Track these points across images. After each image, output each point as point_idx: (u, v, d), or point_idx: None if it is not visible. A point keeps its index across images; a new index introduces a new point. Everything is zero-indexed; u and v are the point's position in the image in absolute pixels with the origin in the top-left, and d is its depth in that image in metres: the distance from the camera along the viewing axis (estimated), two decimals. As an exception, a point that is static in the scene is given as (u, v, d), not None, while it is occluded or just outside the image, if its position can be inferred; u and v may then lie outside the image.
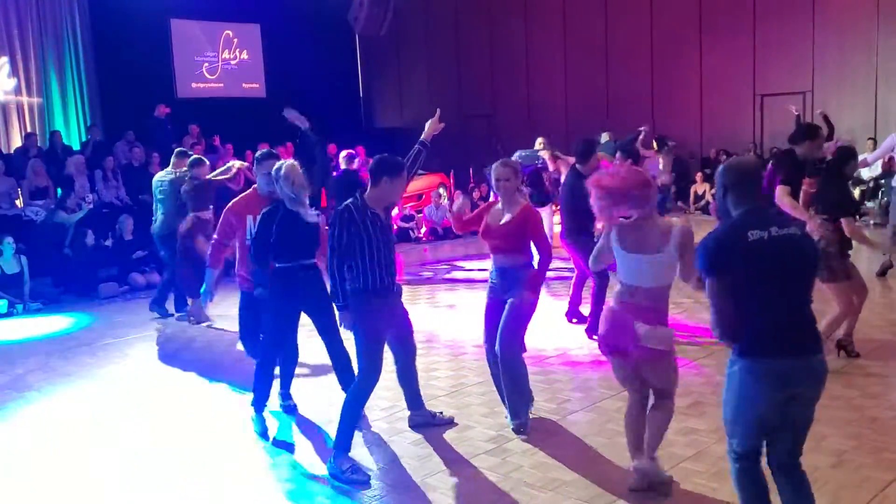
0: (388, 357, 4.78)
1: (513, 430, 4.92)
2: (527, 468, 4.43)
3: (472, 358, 6.55)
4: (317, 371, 6.23)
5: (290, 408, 5.51)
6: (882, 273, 8.93)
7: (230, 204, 5.69)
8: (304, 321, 5.17)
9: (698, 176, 15.89)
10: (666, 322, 3.95)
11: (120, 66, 15.85)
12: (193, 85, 17.98)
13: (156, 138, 13.90)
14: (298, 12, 18.43)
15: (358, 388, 4.50)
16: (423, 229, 14.32)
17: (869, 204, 13.49)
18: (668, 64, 17.28)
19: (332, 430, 4.55)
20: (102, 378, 6.66)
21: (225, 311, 8.20)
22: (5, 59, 14.99)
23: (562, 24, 18.89)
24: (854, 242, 5.87)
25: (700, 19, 16.93)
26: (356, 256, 4.40)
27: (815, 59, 15.64)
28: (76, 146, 14.71)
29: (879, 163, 12.80)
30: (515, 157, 8.87)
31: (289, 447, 4.93)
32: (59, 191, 11.91)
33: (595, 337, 6.91)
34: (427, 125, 5.11)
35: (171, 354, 7.33)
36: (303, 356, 5.65)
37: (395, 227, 12.77)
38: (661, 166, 10.40)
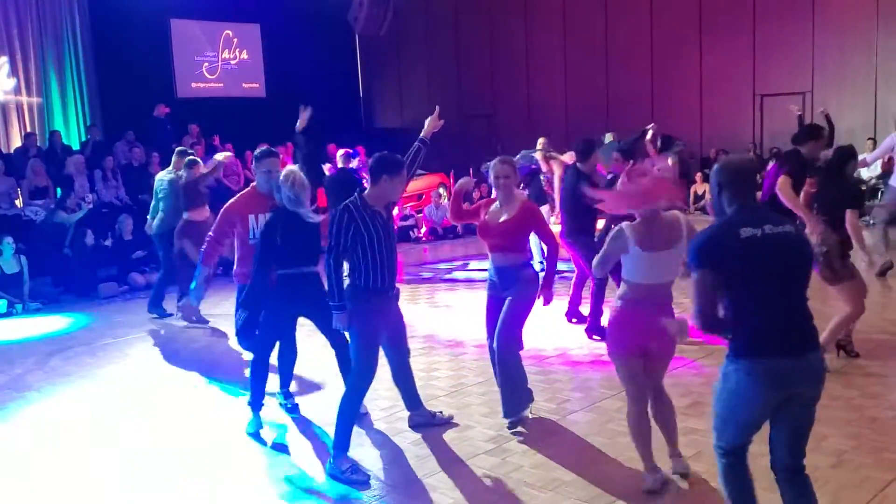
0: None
1: (507, 427, 4.93)
2: (527, 468, 4.43)
3: (472, 358, 6.55)
4: (316, 372, 6.22)
5: (291, 407, 5.51)
6: (882, 273, 8.94)
7: (229, 203, 5.62)
8: (305, 320, 5.16)
9: (698, 176, 15.88)
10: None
11: (120, 66, 15.85)
12: (193, 85, 17.98)
13: (156, 138, 13.91)
14: (298, 12, 18.44)
15: (353, 387, 4.49)
16: (423, 229, 14.33)
17: (868, 204, 13.47)
18: (668, 64, 17.28)
19: (331, 431, 4.54)
20: (102, 378, 6.65)
21: (225, 311, 8.20)
22: (5, 58, 14.98)
23: (562, 24, 18.89)
24: (853, 242, 5.85)
25: (700, 19, 16.93)
26: (358, 255, 4.39)
27: (815, 59, 15.64)
28: (76, 146, 14.72)
29: (879, 163, 12.79)
30: (517, 158, 8.86)
31: (288, 448, 4.93)
32: (59, 191, 11.92)
33: (595, 337, 6.94)
34: (427, 122, 5.11)
35: (171, 354, 7.32)
36: (302, 356, 5.66)
37: (396, 226, 12.77)
38: (670, 165, 10.33)
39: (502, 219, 4.90)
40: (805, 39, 15.68)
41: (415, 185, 13.77)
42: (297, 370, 5.62)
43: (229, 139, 14.81)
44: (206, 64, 18.25)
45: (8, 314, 9.20)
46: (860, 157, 7.60)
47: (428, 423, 5.05)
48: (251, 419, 5.14)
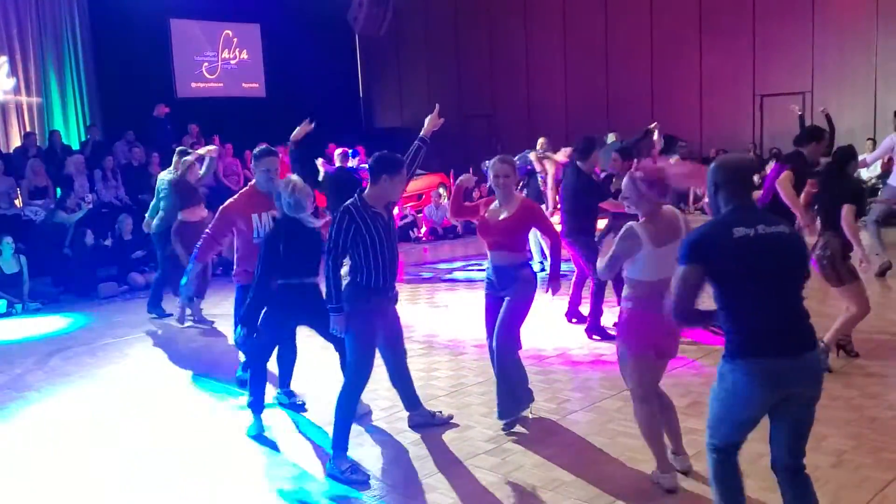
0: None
1: (502, 429, 4.93)
2: (527, 468, 4.43)
3: (472, 358, 6.55)
4: (316, 372, 6.22)
5: (300, 405, 5.50)
6: (881, 273, 8.95)
7: (228, 202, 5.61)
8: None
9: (698, 176, 15.89)
10: None
11: (120, 66, 15.85)
12: (193, 85, 17.98)
13: (155, 138, 13.90)
14: (298, 12, 18.43)
15: (350, 386, 4.48)
16: (423, 229, 14.33)
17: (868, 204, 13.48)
18: (668, 64, 17.28)
19: (331, 431, 4.54)
20: (102, 378, 6.65)
21: (225, 311, 8.20)
22: (5, 58, 14.98)
23: (562, 24, 18.89)
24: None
25: (700, 19, 16.93)
26: (360, 255, 4.39)
27: (814, 59, 15.65)
28: (76, 146, 14.71)
29: (879, 163, 12.79)
30: (515, 158, 8.86)
31: (288, 448, 4.93)
32: (59, 190, 11.92)
33: (595, 337, 6.94)
34: (426, 121, 5.11)
35: (171, 354, 7.32)
36: (302, 356, 5.66)
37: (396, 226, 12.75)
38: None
39: (502, 217, 4.90)
40: (805, 39, 15.68)
41: (415, 185, 13.76)
42: (297, 370, 5.62)
43: (229, 139, 14.79)
44: (206, 64, 18.24)
45: (8, 314, 9.19)
46: (860, 158, 7.59)
47: (428, 423, 5.05)
48: (252, 422, 5.14)
